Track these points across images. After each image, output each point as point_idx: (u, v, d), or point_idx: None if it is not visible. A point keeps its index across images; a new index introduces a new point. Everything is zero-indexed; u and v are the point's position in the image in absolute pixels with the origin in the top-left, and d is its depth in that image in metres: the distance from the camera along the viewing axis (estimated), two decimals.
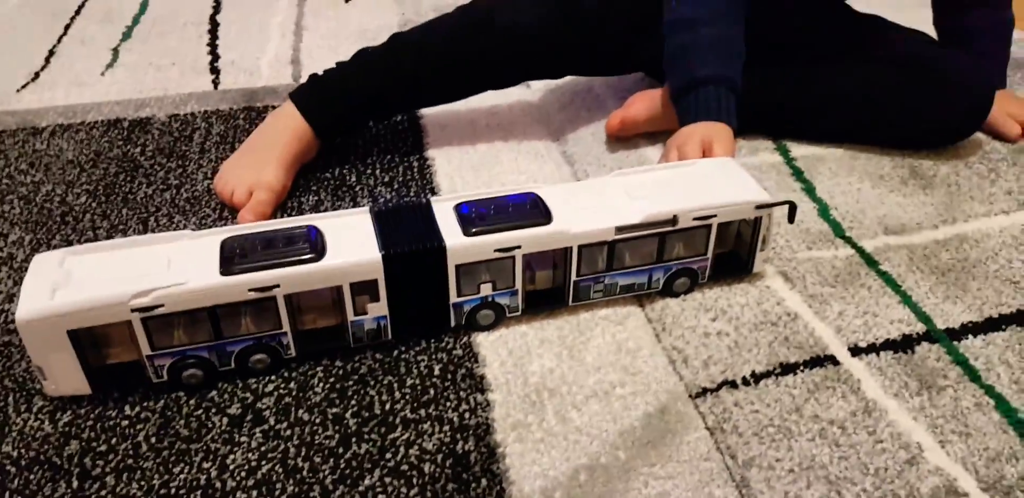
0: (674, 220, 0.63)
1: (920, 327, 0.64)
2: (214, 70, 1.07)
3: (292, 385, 0.59)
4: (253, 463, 0.53)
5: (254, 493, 0.51)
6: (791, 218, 0.67)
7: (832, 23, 0.93)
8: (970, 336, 0.63)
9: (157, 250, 0.58)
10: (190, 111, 0.97)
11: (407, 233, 0.60)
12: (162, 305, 0.54)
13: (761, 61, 0.85)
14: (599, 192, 0.66)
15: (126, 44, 1.14)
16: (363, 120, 0.89)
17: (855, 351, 0.62)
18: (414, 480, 0.52)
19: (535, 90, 1.02)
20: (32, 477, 0.53)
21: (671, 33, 0.84)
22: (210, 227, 0.75)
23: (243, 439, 0.55)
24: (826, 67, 0.88)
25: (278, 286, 0.56)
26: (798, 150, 0.89)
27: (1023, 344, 0.62)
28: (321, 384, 0.59)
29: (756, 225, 0.66)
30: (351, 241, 0.59)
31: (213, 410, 0.57)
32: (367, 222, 0.61)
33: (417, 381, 0.60)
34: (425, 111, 0.95)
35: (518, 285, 0.63)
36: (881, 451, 0.53)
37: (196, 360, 0.57)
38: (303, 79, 1.02)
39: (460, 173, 0.86)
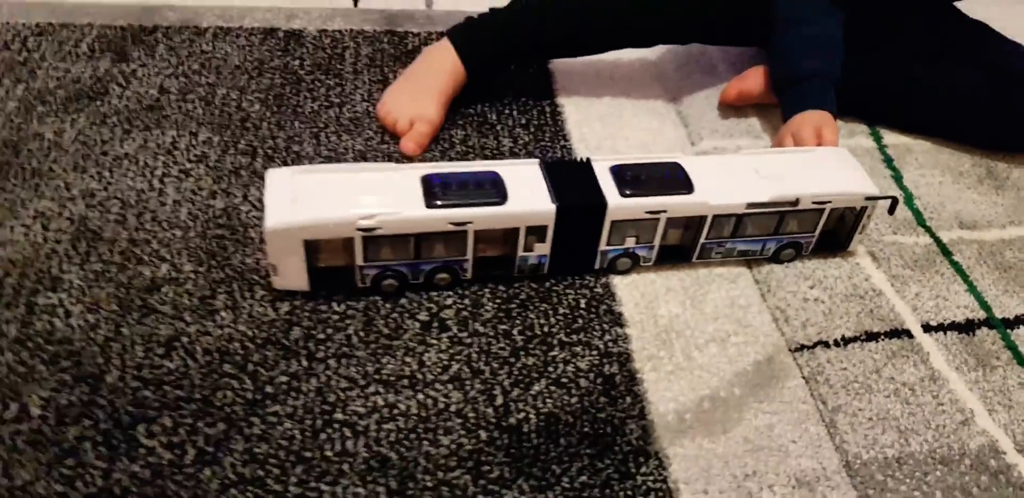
0: (796, 202, 0.73)
1: (981, 314, 0.76)
2: None
3: (467, 301, 0.71)
4: (444, 362, 0.66)
5: (449, 386, 0.64)
6: (892, 210, 0.76)
7: (939, 22, 0.99)
8: (1021, 326, 0.76)
9: (370, 178, 0.67)
10: (337, 28, 1.02)
11: (574, 188, 0.69)
12: (380, 228, 0.64)
13: (867, 49, 0.92)
14: (733, 168, 0.75)
15: None
16: (510, 63, 0.96)
17: (927, 328, 0.74)
18: (572, 391, 0.65)
19: (654, 49, 1.07)
20: (269, 354, 0.65)
21: (777, 30, 0.91)
22: (375, 149, 0.84)
23: (433, 341, 0.67)
24: (926, 62, 0.95)
25: (471, 222, 0.66)
26: (890, 138, 0.98)
27: None
28: (490, 304, 0.71)
29: (861, 212, 0.76)
30: (528, 190, 0.68)
31: (406, 315, 0.69)
32: (538, 174, 0.70)
33: (567, 311, 0.71)
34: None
35: (656, 241, 0.73)
36: (941, 412, 0.67)
37: (395, 273, 0.68)
38: (435, 5, 1.07)
39: (588, 123, 0.94)
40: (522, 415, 0.63)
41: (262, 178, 0.78)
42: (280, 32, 1.00)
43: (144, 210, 0.75)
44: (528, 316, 0.70)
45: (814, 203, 0.74)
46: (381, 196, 0.65)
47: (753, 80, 0.96)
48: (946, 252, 0.83)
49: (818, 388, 0.68)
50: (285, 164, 0.81)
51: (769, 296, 0.76)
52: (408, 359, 0.66)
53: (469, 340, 0.68)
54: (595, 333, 0.70)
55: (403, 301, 0.70)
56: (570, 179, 0.70)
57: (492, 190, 0.68)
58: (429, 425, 0.61)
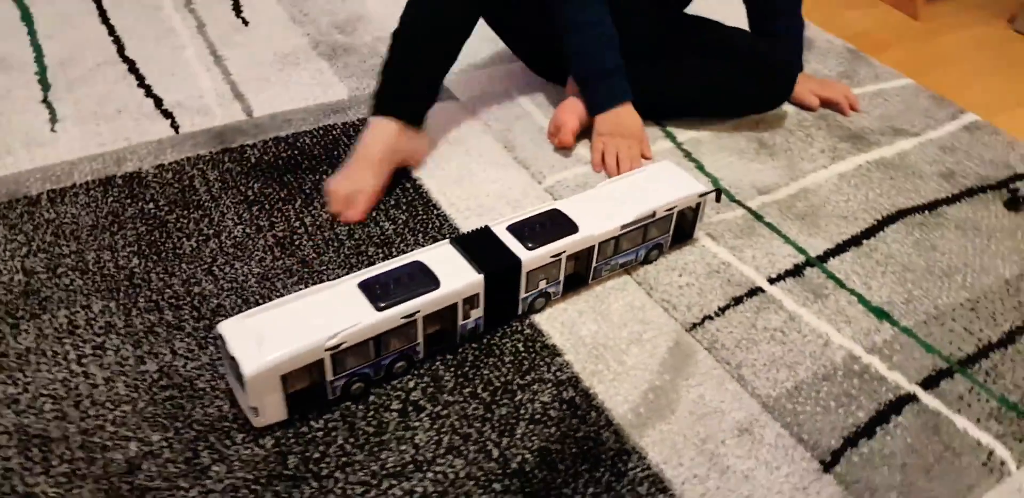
0: (654, 214, 0.89)
1: (801, 258, 0.98)
2: (166, 114, 1.11)
3: (427, 379, 0.79)
4: (435, 438, 0.74)
5: (449, 457, 0.72)
6: (718, 199, 0.95)
7: (673, 27, 1.21)
8: (831, 258, 0.98)
9: (313, 301, 0.73)
10: (173, 160, 1.03)
11: (488, 255, 0.80)
12: (345, 342, 0.70)
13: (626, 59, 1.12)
14: (597, 200, 0.90)
15: (52, 94, 1.13)
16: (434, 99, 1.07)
17: (771, 281, 0.94)
18: (548, 422, 0.76)
19: (465, 102, 1.20)
20: (278, 489, 0.69)
21: (571, 31, 1.07)
22: (274, 267, 0.89)
23: (416, 423, 0.75)
24: (675, 60, 1.16)
25: (419, 311, 0.74)
26: (681, 136, 1.19)
27: (861, 259, 0.98)
28: (447, 374, 0.80)
29: (698, 207, 0.94)
30: (452, 268, 0.78)
31: (381, 409, 0.76)
32: (453, 251, 0.80)
33: (512, 357, 0.82)
34: None
35: (561, 276, 0.86)
36: (807, 342, 0.87)
37: (360, 376, 0.75)
38: (255, 113, 1.12)
39: (448, 188, 1.04)
40: (519, 458, 0.73)
41: (179, 329, 0.81)
42: (117, 179, 1.00)
43: (80, 397, 0.75)
44: (483, 373, 0.80)
45: (666, 211, 0.90)
46: (332, 314, 0.72)
47: (572, 118, 1.11)
48: (758, 217, 1.04)
49: (719, 353, 0.85)
50: (194, 309, 0.83)
51: (653, 293, 0.92)
52: (403, 447, 0.73)
53: (445, 411, 0.76)
54: (542, 369, 0.81)
55: (372, 398, 0.77)
56: (480, 248, 0.81)
57: (424, 278, 0.76)
58: (450, 496, 0.69)
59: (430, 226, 0.97)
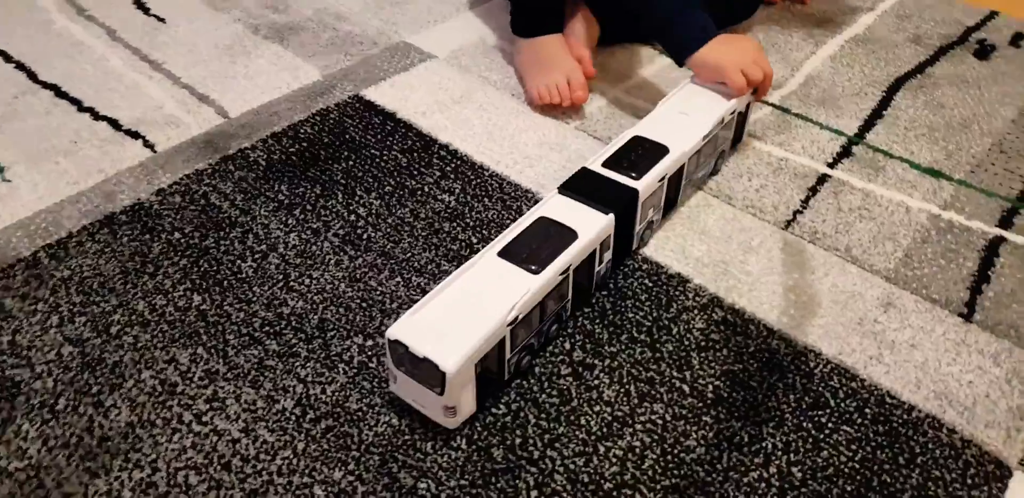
0: (722, 120, 0.87)
1: (843, 139, 1.00)
2: (132, 134, 0.96)
3: (579, 337, 0.75)
4: (622, 390, 0.71)
5: (647, 404, 0.69)
6: (756, 96, 0.94)
7: None
8: (867, 134, 1.02)
9: (465, 282, 0.66)
10: (172, 181, 0.90)
11: (605, 194, 0.75)
12: (520, 313, 0.65)
13: None
14: (665, 120, 0.85)
15: None
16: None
17: (830, 165, 0.96)
18: (717, 346, 0.74)
19: (447, 58, 1.11)
20: (501, 483, 0.63)
21: None
22: (349, 264, 0.81)
23: (596, 382, 0.71)
24: None
25: (570, 265, 0.69)
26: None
27: (890, 128, 1.02)
28: (596, 327, 0.76)
29: (747, 108, 0.93)
30: (579, 215, 0.73)
31: (554, 377, 0.71)
32: (566, 199, 0.74)
33: (646, 295, 0.79)
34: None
35: (661, 202, 0.83)
36: (892, 213, 0.90)
37: (527, 348, 0.69)
38: (232, 113, 0.99)
39: (485, 147, 0.97)
40: (711, 387, 0.71)
41: (294, 356, 0.73)
42: (119, 216, 0.85)
43: (225, 459, 0.65)
44: (629, 317, 0.77)
45: (730, 114, 0.89)
46: (494, 290, 0.65)
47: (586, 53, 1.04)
48: (785, 110, 1.05)
49: (824, 242, 0.86)
50: (297, 331, 0.74)
51: (735, 202, 0.91)
52: (596, 408, 0.69)
53: (616, 362, 0.73)
54: (681, 298, 0.79)
55: (539, 370, 0.72)
56: (592, 189, 0.75)
57: (559, 230, 0.71)
58: (669, 440, 0.67)
59: (491, 188, 0.91)
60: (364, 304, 0.77)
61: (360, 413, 0.68)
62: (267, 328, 0.75)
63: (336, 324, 0.75)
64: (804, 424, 0.69)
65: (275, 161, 0.93)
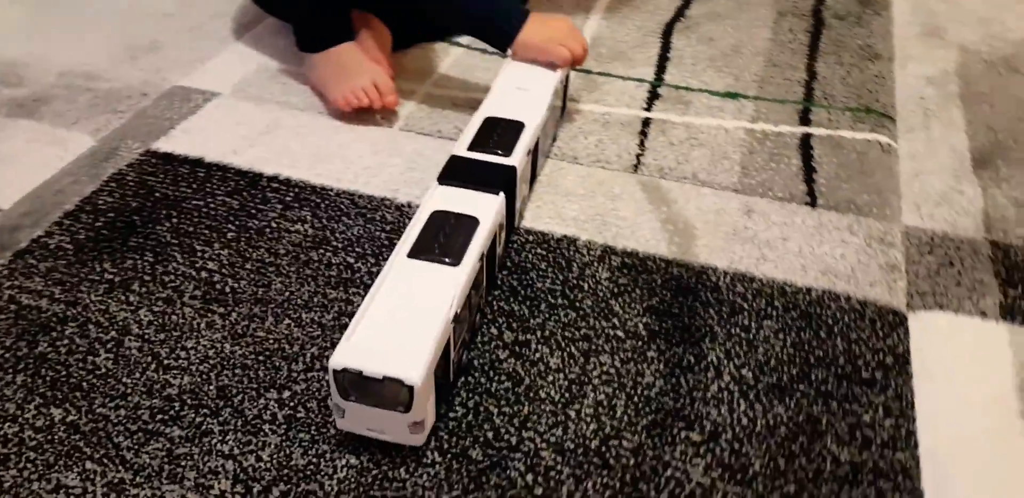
0: (556, 90, 0.91)
1: (646, 85, 1.10)
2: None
3: (501, 319, 0.75)
4: (564, 355, 0.72)
5: (592, 358, 0.71)
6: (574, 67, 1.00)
7: None
8: (663, 76, 1.12)
9: (387, 295, 0.63)
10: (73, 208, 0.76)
11: (485, 176, 0.76)
12: (458, 308, 0.64)
13: None
14: (503, 99, 0.87)
15: None
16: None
17: (646, 109, 1.05)
18: (631, 288, 0.78)
19: (236, 96, 1.06)
20: (494, 479, 0.61)
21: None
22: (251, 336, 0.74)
23: (537, 355, 0.72)
24: None
25: (483, 251, 0.69)
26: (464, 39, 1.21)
27: (679, 68, 1.14)
28: (511, 305, 0.77)
29: (567, 76, 0.99)
30: (470, 201, 0.73)
31: (496, 364, 0.71)
32: (451, 189, 0.74)
33: (545, 263, 0.81)
34: None
35: (528, 175, 0.86)
36: (715, 135, 1.00)
37: (464, 345, 0.68)
38: (2, 205, 0.88)
39: (311, 167, 0.94)
40: (639, 323, 0.74)
41: (207, 434, 0.66)
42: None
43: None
44: (538, 286, 0.79)
45: (561, 83, 0.93)
46: (420, 292, 0.64)
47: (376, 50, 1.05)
48: (587, 71, 1.13)
49: (672, 174, 0.94)
50: (196, 407, 0.66)
51: (582, 160, 0.96)
52: (550, 377, 0.70)
53: (547, 332, 0.74)
54: (577, 256, 0.82)
55: (476, 363, 0.71)
56: (471, 174, 0.76)
57: (458, 220, 0.70)
58: (630, 384, 0.69)
59: (344, 206, 0.88)
60: (260, 357, 0.72)
61: (312, 466, 0.63)
62: (160, 416, 0.67)
63: (239, 387, 0.69)
64: (733, 331, 0.75)
65: (83, 241, 0.83)
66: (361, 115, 1.01)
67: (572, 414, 0.67)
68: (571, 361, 0.72)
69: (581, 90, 1.08)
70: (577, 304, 0.77)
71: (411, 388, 0.58)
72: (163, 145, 0.97)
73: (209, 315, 0.76)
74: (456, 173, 0.77)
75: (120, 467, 0.63)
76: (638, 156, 0.97)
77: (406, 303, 0.63)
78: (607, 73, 1.13)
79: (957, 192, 0.93)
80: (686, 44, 1.19)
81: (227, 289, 0.79)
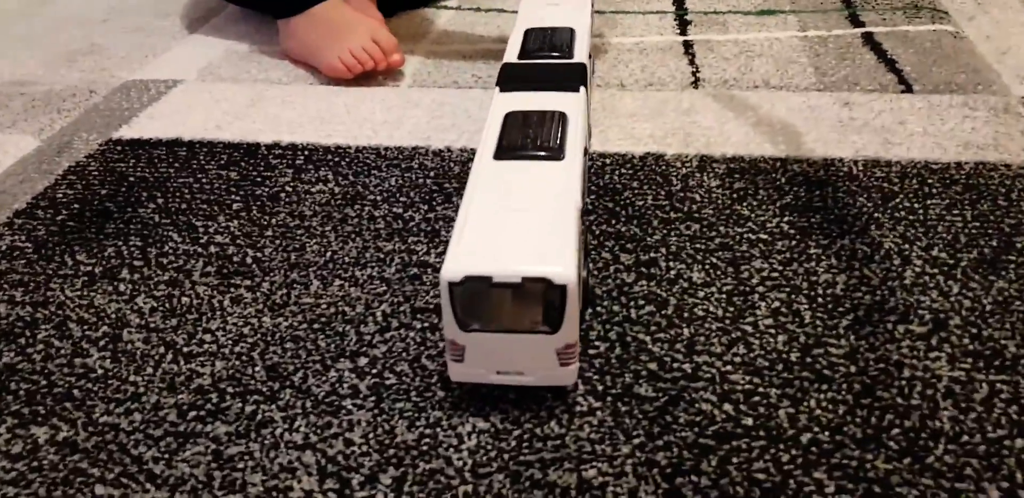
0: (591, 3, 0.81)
1: (671, 10, 1.00)
2: None
3: (611, 242, 0.60)
4: (722, 277, 0.57)
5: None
6: None
7: None
8: (684, 4, 1.03)
9: (484, 196, 0.49)
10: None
11: (556, 76, 0.64)
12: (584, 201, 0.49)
13: None
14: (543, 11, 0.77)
15: None
16: None
17: (683, 33, 0.95)
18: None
19: (207, 81, 0.93)
20: (676, 414, 0.45)
21: None
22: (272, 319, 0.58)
23: (674, 274, 0.56)
24: None
25: (584, 145, 0.55)
26: None
27: None
28: (623, 228, 0.61)
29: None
30: (549, 101, 0.60)
31: (626, 289, 0.55)
32: (517, 94, 0.61)
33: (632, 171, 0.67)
34: None
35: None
36: (770, 46, 0.90)
37: (586, 255, 0.52)
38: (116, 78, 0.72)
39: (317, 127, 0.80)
40: (783, 224, 0.61)
41: (265, 425, 0.49)
42: None
43: None
44: (640, 205, 0.64)
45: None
46: (528, 190, 0.49)
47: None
48: (600, 12, 1.03)
49: (740, 85, 0.83)
50: (241, 394, 0.49)
51: (629, 86, 0.85)
52: (702, 292, 0.55)
53: (672, 244, 0.59)
54: (675, 167, 0.69)
55: (599, 292, 0.56)
56: (535, 77, 0.64)
57: (541, 117, 0.57)
58: (797, 275, 0.55)
59: (370, 161, 0.73)
60: (316, 325, 0.55)
61: (428, 440, 0.46)
62: (194, 413, 0.49)
63: (296, 363, 0.52)
64: (897, 214, 0.61)
65: (44, 237, 0.66)
66: (360, 80, 0.88)
67: (748, 328, 0.52)
68: (718, 273, 0.57)
69: (601, 28, 0.98)
70: (696, 215, 0.63)
71: (563, 289, 0.42)
72: (126, 133, 0.81)
73: (233, 290, 0.59)
74: (517, 78, 0.64)
75: (148, 484, 0.44)
76: (694, 73, 0.85)
77: (515, 203, 0.48)
78: (622, 10, 1.03)
79: None
80: None
81: (247, 260, 0.62)
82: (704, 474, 0.43)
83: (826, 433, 0.44)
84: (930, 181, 0.65)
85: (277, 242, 0.64)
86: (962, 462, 0.43)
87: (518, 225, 0.46)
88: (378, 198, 0.69)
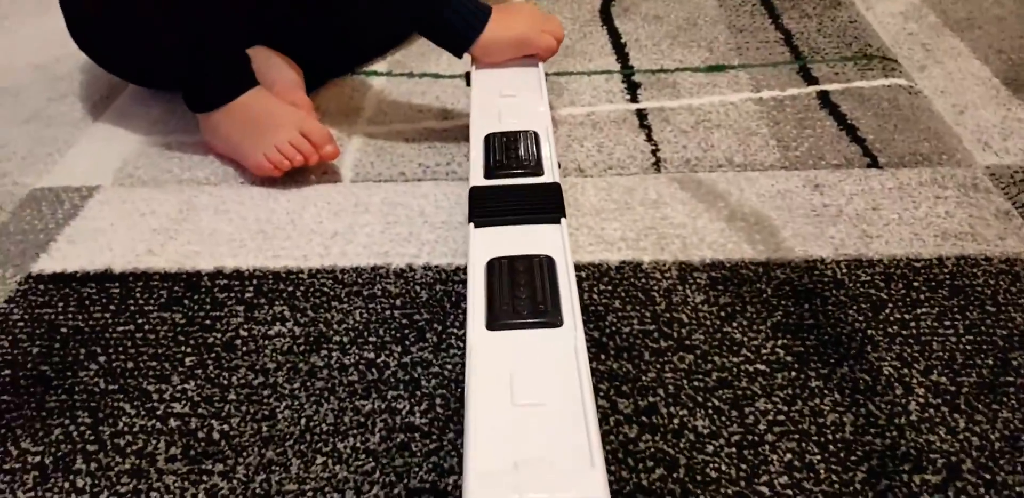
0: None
1: (617, 76, 0.99)
2: None
3: (604, 384, 0.58)
4: (724, 417, 0.56)
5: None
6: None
7: None
8: (628, 62, 1.01)
9: (481, 377, 0.46)
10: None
11: (533, 204, 0.63)
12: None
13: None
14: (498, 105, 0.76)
15: None
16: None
17: (633, 100, 0.93)
18: None
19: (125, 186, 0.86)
20: None
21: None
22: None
23: (671, 412, 0.55)
24: None
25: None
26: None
27: (643, 52, 1.04)
28: (615, 366, 0.60)
29: None
30: (529, 240, 0.60)
31: (619, 426, 0.54)
32: (493, 231, 0.60)
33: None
34: None
35: None
36: (728, 113, 0.89)
37: None
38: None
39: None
40: (776, 349, 0.61)
41: None
42: None
43: None
44: (626, 332, 0.63)
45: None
46: (531, 370, 0.46)
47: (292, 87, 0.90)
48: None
49: (703, 164, 0.82)
50: None
51: (589, 171, 0.83)
52: (708, 434, 0.54)
53: (667, 378, 0.58)
54: (653, 279, 0.67)
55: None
56: (509, 206, 0.63)
57: (527, 265, 0.56)
58: (801, 404, 0.55)
59: (326, 288, 0.69)
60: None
61: None
62: None
63: None
64: (889, 329, 0.62)
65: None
66: (295, 176, 0.84)
67: (765, 490, 0.52)
68: (723, 419, 0.56)
69: (548, 94, 0.95)
70: (687, 342, 0.62)
71: None
72: (47, 265, 0.75)
73: (205, 478, 0.55)
74: (490, 208, 0.61)
75: None
76: (654, 152, 0.84)
77: (522, 397, 0.46)
78: (566, 72, 1.01)
79: (1015, 120, 0.87)
80: (634, 26, 1.10)
81: (214, 435, 0.58)
82: None
83: None
84: (915, 284, 0.66)
85: (243, 409, 0.60)
86: None
87: (531, 427, 0.44)
88: (344, 339, 0.65)
